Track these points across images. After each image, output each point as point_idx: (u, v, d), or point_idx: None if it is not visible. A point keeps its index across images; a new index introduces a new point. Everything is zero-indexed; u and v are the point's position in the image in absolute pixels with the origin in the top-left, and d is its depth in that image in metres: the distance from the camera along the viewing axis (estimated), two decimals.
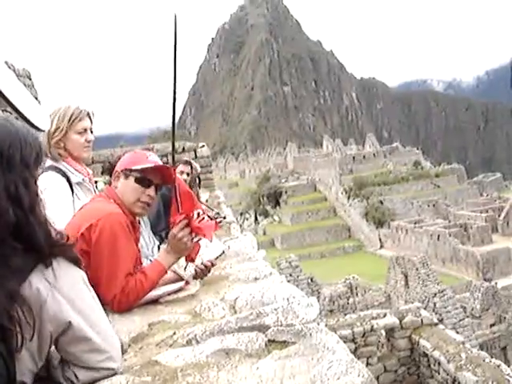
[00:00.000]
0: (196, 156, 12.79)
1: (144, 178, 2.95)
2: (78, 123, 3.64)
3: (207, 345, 2.00)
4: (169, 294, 2.95)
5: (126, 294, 2.71)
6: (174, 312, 2.68)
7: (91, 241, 2.67)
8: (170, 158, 10.93)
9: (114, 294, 2.67)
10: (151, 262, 2.97)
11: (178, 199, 2.95)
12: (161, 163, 3.03)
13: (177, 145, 11.77)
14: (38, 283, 1.53)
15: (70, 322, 1.59)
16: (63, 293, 1.58)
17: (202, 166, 12.26)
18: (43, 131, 1.33)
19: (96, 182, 4.25)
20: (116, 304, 2.69)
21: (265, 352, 1.92)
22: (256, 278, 3.12)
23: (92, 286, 1.75)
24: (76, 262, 1.67)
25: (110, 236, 2.69)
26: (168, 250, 2.96)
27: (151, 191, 2.96)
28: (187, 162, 5.56)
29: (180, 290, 3.02)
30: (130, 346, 2.25)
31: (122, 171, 2.99)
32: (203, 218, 3.00)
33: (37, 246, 1.54)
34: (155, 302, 2.88)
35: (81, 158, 3.75)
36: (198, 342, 2.07)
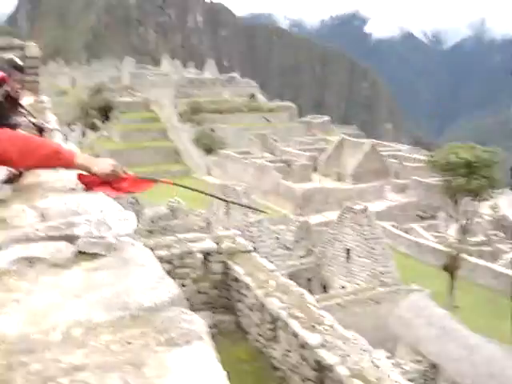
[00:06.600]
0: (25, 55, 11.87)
1: None
2: None
3: (9, 252, 1.87)
4: None
5: None
6: None
7: None
8: None
9: None
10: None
11: None
12: None
13: (1, 41, 10.80)
14: None
15: None
16: None
17: (30, 67, 11.41)
18: None
19: None
20: None
21: (72, 263, 1.84)
22: (73, 189, 2.96)
23: None
24: None
25: None
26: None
27: None
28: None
29: None
30: None
31: None
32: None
33: None
34: None
35: None
36: None
